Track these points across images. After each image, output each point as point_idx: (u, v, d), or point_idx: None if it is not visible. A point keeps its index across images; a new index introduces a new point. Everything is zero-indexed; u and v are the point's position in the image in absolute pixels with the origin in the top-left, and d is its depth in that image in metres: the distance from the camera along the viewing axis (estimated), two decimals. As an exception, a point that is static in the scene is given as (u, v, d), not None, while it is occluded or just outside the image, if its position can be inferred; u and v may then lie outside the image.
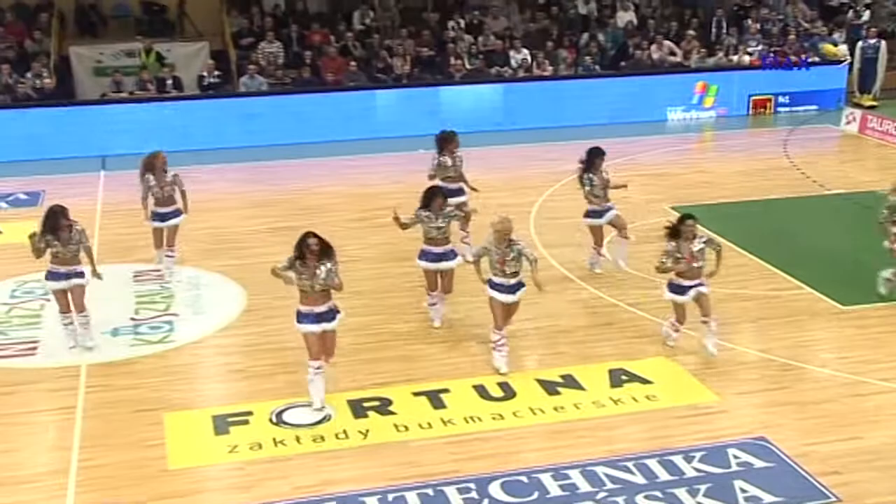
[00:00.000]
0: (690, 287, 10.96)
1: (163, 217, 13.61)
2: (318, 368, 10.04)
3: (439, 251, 11.87)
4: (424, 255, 11.97)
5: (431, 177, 13.98)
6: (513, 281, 10.76)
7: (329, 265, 9.84)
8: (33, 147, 20.33)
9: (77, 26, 24.52)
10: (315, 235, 9.87)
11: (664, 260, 10.88)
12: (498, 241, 10.69)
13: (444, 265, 11.92)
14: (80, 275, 11.40)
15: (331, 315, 10.02)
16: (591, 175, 13.20)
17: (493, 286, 10.81)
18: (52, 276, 11.38)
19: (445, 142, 14.20)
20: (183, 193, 13.70)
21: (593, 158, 13.26)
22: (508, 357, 10.89)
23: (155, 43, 23.43)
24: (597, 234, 13.55)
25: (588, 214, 13.41)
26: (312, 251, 9.77)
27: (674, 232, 10.88)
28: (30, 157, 20.03)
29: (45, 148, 20.37)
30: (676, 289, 11.05)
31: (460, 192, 14.01)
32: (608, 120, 22.61)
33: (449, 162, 14.08)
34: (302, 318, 10.00)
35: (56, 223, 11.21)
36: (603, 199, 13.29)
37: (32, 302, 13.08)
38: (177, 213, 13.72)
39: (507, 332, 11.00)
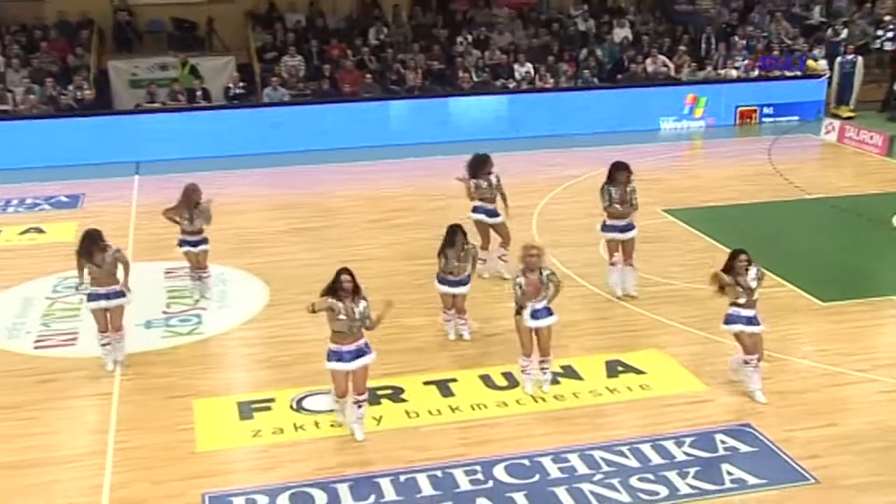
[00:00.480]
0: (750, 318, 10.00)
1: (193, 244, 12.87)
2: (341, 402, 9.55)
3: (456, 280, 11.42)
4: (442, 281, 11.49)
5: (472, 198, 13.34)
6: (539, 306, 10.10)
7: (364, 303, 9.18)
8: (74, 153, 20.34)
9: (115, 42, 24.52)
10: (348, 272, 9.17)
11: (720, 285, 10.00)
12: (529, 270, 10.09)
13: (458, 290, 11.48)
14: (121, 294, 10.92)
15: (359, 354, 9.25)
16: (611, 188, 12.42)
17: (521, 312, 10.21)
18: (93, 297, 10.86)
19: (481, 165, 13.35)
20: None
21: (615, 172, 12.41)
22: (536, 381, 10.35)
23: (187, 57, 23.46)
24: (612, 248, 12.69)
25: (605, 228, 12.67)
26: (345, 289, 9.07)
27: (727, 268, 9.96)
28: (71, 163, 20.05)
29: (85, 154, 20.38)
30: (736, 320, 10.01)
31: (496, 213, 13.38)
32: (605, 129, 22.56)
33: (484, 184, 13.27)
34: (331, 355, 9.28)
35: (90, 247, 10.76)
36: (623, 214, 12.45)
37: (73, 296, 13.08)
38: (205, 240, 12.95)
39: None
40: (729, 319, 10.05)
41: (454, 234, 11.25)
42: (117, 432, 9.58)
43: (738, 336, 10.08)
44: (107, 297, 10.83)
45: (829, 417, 9.66)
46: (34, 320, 12.42)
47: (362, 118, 21.99)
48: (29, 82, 21.69)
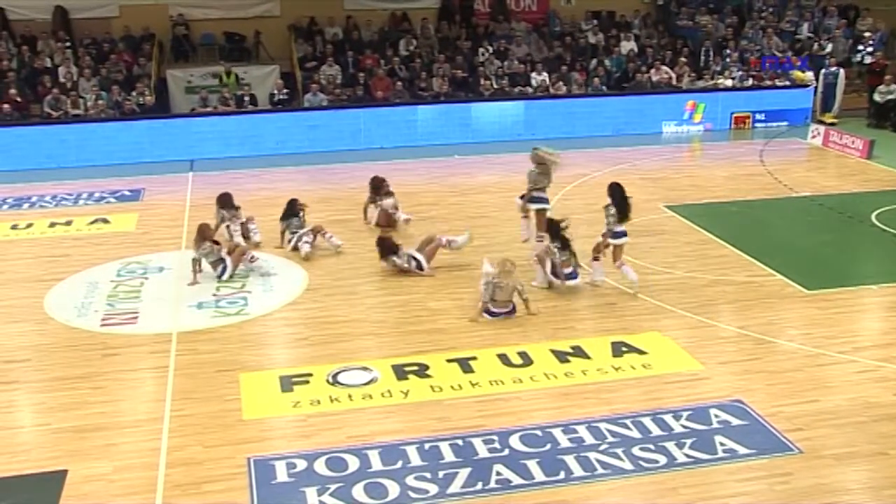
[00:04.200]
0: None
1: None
2: None
3: None
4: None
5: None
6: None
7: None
8: (136, 152, 20.45)
9: (173, 53, 24.58)
10: None
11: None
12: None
13: None
14: None
15: None
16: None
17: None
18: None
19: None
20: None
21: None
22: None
23: (234, 66, 23.57)
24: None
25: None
26: None
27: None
28: (133, 161, 20.17)
29: (146, 153, 20.49)
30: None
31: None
32: (613, 132, 22.49)
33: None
34: None
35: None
36: None
37: (134, 280, 13.16)
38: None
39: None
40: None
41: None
42: (173, 401, 9.60)
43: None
44: None
45: (813, 394, 9.56)
46: (100, 301, 12.46)
47: (393, 121, 21.97)
48: (98, 89, 21.79)
